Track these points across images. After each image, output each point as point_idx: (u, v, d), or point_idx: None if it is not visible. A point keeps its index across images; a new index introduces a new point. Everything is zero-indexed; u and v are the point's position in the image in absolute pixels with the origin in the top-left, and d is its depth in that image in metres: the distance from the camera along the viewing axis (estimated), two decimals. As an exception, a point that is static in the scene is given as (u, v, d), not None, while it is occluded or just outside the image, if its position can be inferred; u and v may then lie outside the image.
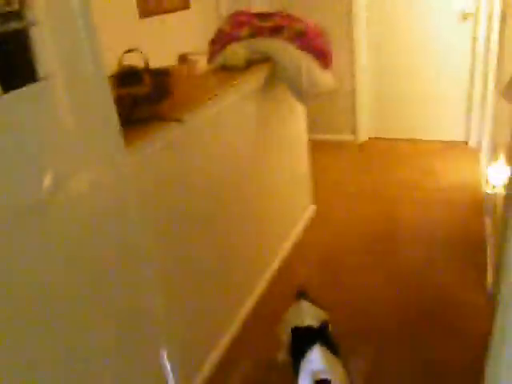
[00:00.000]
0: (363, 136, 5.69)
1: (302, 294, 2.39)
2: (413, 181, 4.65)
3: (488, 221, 3.72)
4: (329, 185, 4.68)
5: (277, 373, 2.47)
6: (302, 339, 2.06)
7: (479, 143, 5.18)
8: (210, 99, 2.49)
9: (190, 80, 3.24)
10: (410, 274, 3.34)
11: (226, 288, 2.81)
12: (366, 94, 5.56)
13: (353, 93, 5.52)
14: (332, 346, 2.06)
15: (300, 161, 3.86)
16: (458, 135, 5.41)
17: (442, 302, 3.06)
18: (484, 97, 4.97)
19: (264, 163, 3.23)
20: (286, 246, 3.63)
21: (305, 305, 2.27)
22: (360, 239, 3.79)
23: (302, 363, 1.97)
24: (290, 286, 2.75)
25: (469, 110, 5.24)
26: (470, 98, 5.19)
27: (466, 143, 5.37)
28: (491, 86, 4.71)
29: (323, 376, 1.86)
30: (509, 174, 2.69)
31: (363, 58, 5.42)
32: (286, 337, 2.22)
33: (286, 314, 2.31)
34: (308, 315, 2.18)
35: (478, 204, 4.13)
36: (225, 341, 2.77)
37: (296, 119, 3.72)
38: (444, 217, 4.01)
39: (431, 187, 4.51)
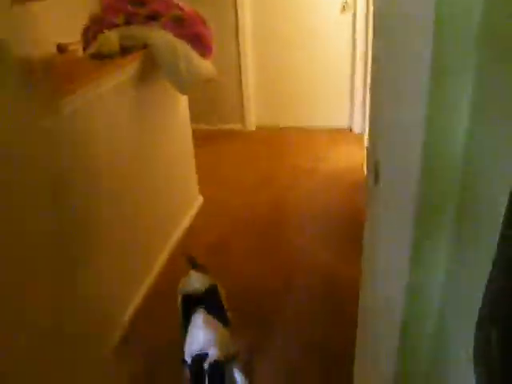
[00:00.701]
0: (251, 125, 5.69)
1: (191, 263, 2.42)
2: (303, 168, 4.70)
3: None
4: (218, 174, 4.61)
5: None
6: (190, 304, 2.12)
7: (363, 129, 5.39)
8: (80, 87, 2.31)
9: (63, 68, 3.01)
10: (300, 257, 3.37)
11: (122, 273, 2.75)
12: (253, 83, 5.54)
13: (239, 83, 5.48)
14: (220, 310, 2.14)
15: (185, 150, 3.75)
16: (342, 122, 5.57)
17: (331, 283, 3.12)
18: (365, 84, 5.16)
19: (146, 152, 3.06)
20: (176, 236, 3.52)
21: (193, 273, 2.31)
22: (250, 227, 3.75)
23: (188, 329, 2.03)
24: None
25: (352, 97, 5.42)
26: (352, 86, 5.36)
27: (351, 129, 5.55)
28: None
29: (202, 348, 1.88)
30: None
31: (249, 48, 5.39)
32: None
33: (179, 284, 2.34)
34: (196, 281, 2.22)
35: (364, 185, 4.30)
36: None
37: (178, 108, 3.58)
38: (333, 201, 4.10)
39: (320, 173, 4.59)
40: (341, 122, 5.57)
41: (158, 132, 3.26)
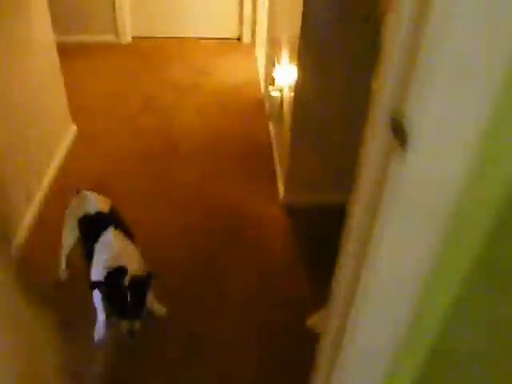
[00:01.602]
0: (127, 36, 4.92)
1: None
2: (188, 83, 4.15)
3: (272, 126, 3.49)
4: (92, 96, 3.92)
5: (64, 289, 2.24)
6: (94, 225, 1.94)
7: (253, 39, 4.88)
8: None
9: None
10: (197, 194, 2.95)
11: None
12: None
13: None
14: (126, 231, 1.96)
15: (49, 70, 3.03)
16: (231, 32, 5.01)
17: (237, 221, 2.76)
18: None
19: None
20: (52, 173, 2.93)
21: (89, 194, 2.08)
22: (135, 159, 3.21)
23: (95, 250, 1.84)
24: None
25: (240, 4, 4.83)
26: (239, -10, 4.77)
27: (239, 39, 5.02)
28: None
29: (118, 263, 1.74)
30: (296, 75, 2.36)
31: None
32: (69, 237, 2.11)
33: (69, 209, 2.11)
34: (96, 202, 2.02)
35: (260, 107, 3.87)
36: None
37: (34, 17, 2.83)
38: (227, 123, 3.66)
39: (208, 89, 4.09)
40: (229, 31, 5.00)
41: (11, 48, 2.52)
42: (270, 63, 3.11)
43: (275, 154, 3.22)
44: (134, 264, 1.78)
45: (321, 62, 2.32)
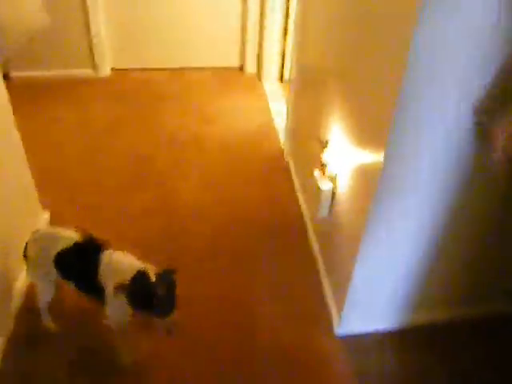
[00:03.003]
0: (105, 68, 4.04)
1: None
2: (187, 136, 3.32)
3: (302, 197, 2.71)
4: (63, 158, 3.05)
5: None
6: (80, 256, 1.81)
7: (259, 68, 4.06)
8: None
9: None
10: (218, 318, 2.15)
11: None
12: (105, 12, 3.84)
13: (85, 10, 3.75)
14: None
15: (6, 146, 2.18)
16: (230, 59, 4.17)
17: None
18: (263, 14, 3.79)
19: None
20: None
21: (52, 229, 2.01)
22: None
23: (102, 277, 1.72)
24: None
25: (241, 25, 3.99)
26: (244, 13, 3.92)
27: (242, 69, 4.18)
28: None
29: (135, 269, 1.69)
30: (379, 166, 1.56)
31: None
32: (47, 287, 1.92)
33: (32, 257, 1.87)
34: (68, 233, 1.86)
35: (279, 161, 3.09)
36: None
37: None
38: (241, 193, 2.85)
39: (213, 143, 3.26)
40: (229, 59, 4.17)
41: None
42: (316, 141, 2.27)
43: (314, 248, 2.43)
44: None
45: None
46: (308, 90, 2.59)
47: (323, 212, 2.13)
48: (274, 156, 3.14)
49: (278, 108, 3.64)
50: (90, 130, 3.35)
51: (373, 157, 1.60)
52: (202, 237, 2.54)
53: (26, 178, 2.39)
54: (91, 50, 3.91)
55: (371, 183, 1.62)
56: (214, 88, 3.92)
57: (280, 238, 2.55)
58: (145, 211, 2.68)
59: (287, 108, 3.10)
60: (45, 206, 2.55)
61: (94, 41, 3.86)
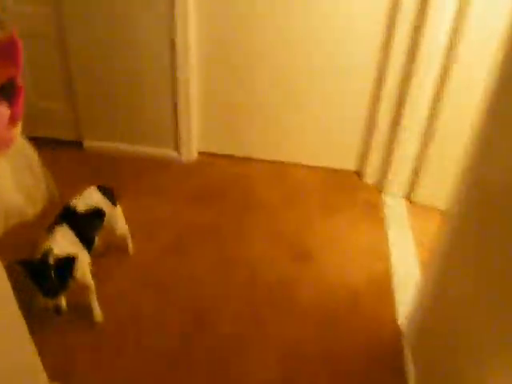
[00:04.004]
0: (190, 152, 3.29)
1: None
2: (269, 274, 2.41)
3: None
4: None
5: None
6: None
7: (383, 177, 3.11)
8: None
9: None
10: None
11: None
12: (195, 88, 3.09)
13: (174, 84, 3.03)
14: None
15: None
16: (346, 162, 3.27)
17: None
18: (400, 111, 2.86)
19: None
20: None
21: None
22: None
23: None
24: None
25: (370, 122, 3.09)
26: (373, 105, 3.02)
27: (360, 176, 3.26)
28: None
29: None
30: None
31: (190, 35, 2.90)
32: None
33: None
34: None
35: (393, 364, 2.06)
36: None
37: None
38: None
39: (302, 296, 2.31)
40: (343, 160, 3.26)
41: None
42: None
43: None
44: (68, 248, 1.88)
45: None
46: (486, 244, 1.50)
47: None
48: (383, 340, 2.15)
49: (401, 245, 2.67)
50: (147, 239, 2.57)
51: None
52: None
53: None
54: (177, 128, 3.19)
55: None
56: (319, 200, 3.01)
57: None
58: None
59: (425, 271, 2.12)
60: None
61: (182, 119, 3.14)
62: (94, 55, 3.01)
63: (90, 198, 2.15)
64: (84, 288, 2.05)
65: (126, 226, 2.42)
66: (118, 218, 2.33)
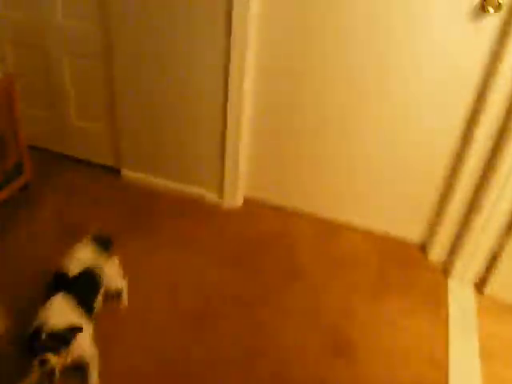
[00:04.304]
0: (234, 198, 2.93)
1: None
2: (301, 373, 2.03)
3: None
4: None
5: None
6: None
7: (452, 258, 2.62)
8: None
9: None
10: None
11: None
12: (246, 127, 2.74)
13: (223, 122, 2.69)
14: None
15: None
16: (410, 231, 2.81)
17: None
18: (481, 186, 2.38)
19: None
20: None
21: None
22: None
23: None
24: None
25: (444, 192, 2.61)
26: (454, 174, 2.54)
27: (425, 251, 2.78)
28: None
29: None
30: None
31: (248, 63, 2.53)
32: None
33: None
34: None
35: None
36: None
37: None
38: None
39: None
40: (406, 230, 2.80)
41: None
42: None
43: None
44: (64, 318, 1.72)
45: None
46: None
47: None
48: None
49: (463, 353, 2.19)
50: (167, 309, 2.24)
51: None
52: None
53: None
54: (223, 169, 2.84)
55: None
56: (372, 275, 2.58)
57: None
58: None
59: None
60: None
61: (229, 164, 2.80)
62: (142, 83, 2.73)
63: (83, 257, 1.97)
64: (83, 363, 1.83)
65: (124, 281, 2.19)
66: (114, 272, 2.13)
